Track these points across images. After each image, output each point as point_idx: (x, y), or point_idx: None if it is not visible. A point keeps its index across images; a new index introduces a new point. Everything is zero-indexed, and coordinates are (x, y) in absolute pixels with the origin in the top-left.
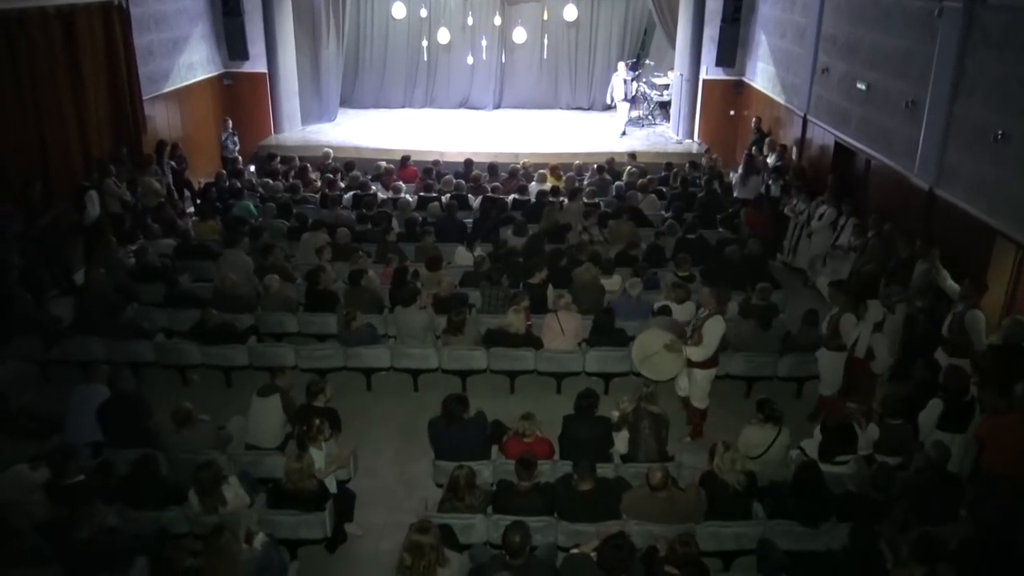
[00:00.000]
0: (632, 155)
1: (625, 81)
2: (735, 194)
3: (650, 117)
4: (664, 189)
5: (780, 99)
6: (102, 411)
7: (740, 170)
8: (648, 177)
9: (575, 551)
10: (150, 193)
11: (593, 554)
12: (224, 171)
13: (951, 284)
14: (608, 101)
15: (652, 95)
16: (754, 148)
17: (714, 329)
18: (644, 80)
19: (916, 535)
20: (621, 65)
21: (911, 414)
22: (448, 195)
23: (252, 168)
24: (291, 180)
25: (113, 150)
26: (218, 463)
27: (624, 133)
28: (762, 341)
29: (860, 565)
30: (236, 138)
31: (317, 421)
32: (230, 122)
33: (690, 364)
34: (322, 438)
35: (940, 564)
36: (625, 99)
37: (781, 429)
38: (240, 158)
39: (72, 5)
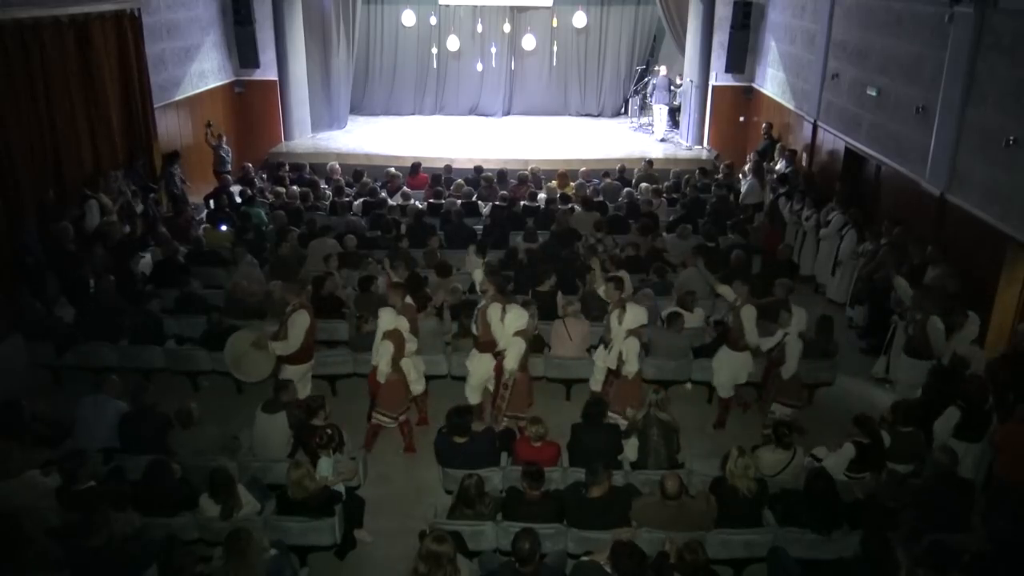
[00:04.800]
0: (649, 162)
1: (667, 88)
2: (741, 200)
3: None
4: (675, 196)
5: (790, 105)
6: (123, 424)
7: (746, 175)
8: (657, 185)
9: (586, 558)
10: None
11: (604, 562)
12: (228, 178)
13: (907, 292)
14: (648, 100)
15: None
16: (762, 153)
17: (298, 323)
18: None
19: (928, 543)
20: (663, 68)
21: (923, 421)
22: (459, 201)
23: (264, 175)
24: (301, 188)
25: (126, 158)
26: (228, 468)
27: (663, 139)
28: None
29: (872, 573)
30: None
31: (328, 431)
32: (224, 137)
33: (281, 360)
34: (332, 446)
35: (952, 573)
36: (664, 103)
37: (796, 452)
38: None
39: (86, 14)
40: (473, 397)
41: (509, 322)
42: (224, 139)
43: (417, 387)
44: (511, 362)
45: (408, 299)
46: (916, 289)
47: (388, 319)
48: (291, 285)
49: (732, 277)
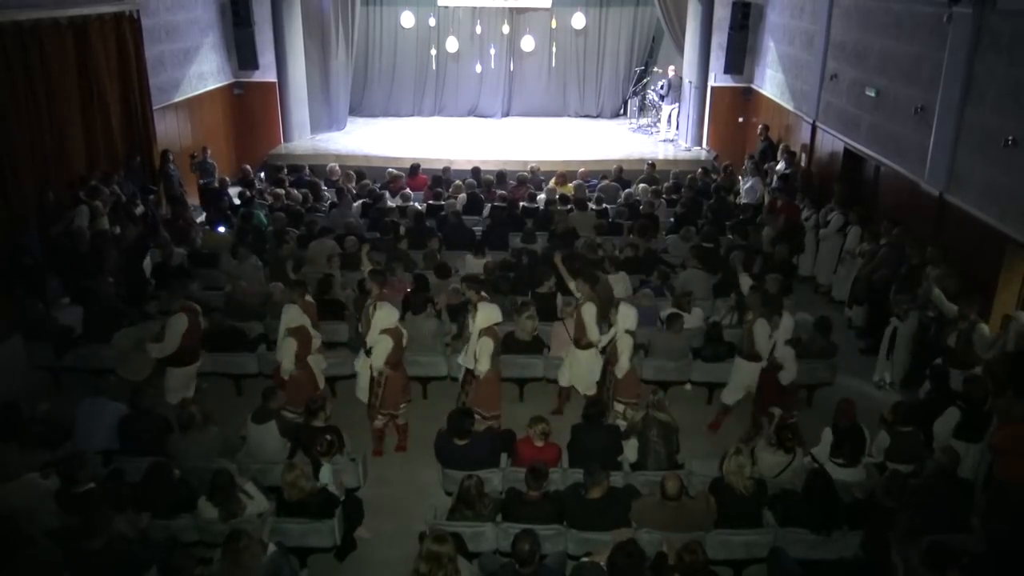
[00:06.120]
0: (651, 164)
1: (667, 83)
2: (743, 200)
3: (658, 124)
4: (675, 196)
5: (789, 106)
6: (123, 426)
7: (745, 176)
8: (656, 186)
9: (585, 559)
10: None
11: (604, 563)
12: (226, 179)
13: (949, 306)
14: (658, 100)
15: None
16: (759, 155)
17: (174, 326)
18: (652, 88)
19: (927, 543)
20: (672, 68)
21: (923, 422)
22: (462, 195)
23: (263, 175)
24: (300, 190)
25: (126, 159)
26: (229, 471)
27: (666, 140)
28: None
29: (872, 573)
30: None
31: (328, 437)
32: (208, 151)
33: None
34: (334, 451)
35: (950, 572)
36: (671, 102)
37: (796, 454)
38: (227, 179)
39: (85, 16)
40: (363, 397)
41: (377, 320)
42: (208, 152)
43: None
44: (377, 360)
45: (308, 297)
46: (751, 291)
47: (293, 316)
48: (172, 295)
49: (730, 278)
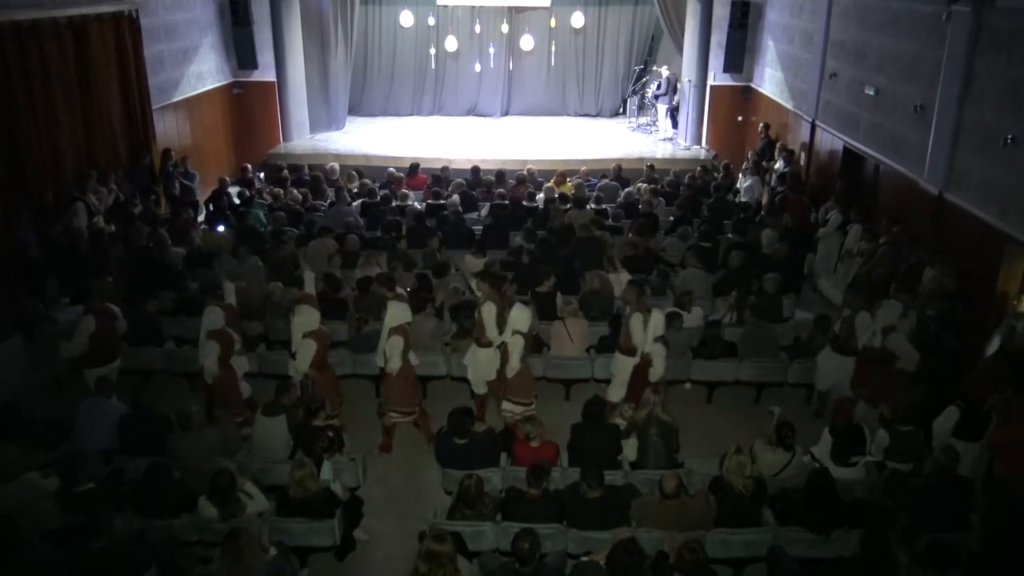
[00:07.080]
0: (651, 165)
1: (665, 82)
2: (740, 198)
3: (657, 123)
4: (674, 194)
5: (788, 105)
6: (123, 426)
7: (744, 174)
8: (655, 186)
9: (585, 558)
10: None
11: (604, 562)
12: (225, 179)
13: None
14: (649, 96)
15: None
16: (758, 153)
17: (81, 327)
18: (649, 87)
19: (926, 542)
20: (665, 68)
21: (923, 420)
22: (457, 195)
23: (262, 175)
24: (300, 189)
25: (125, 159)
26: (230, 471)
27: (665, 139)
28: (763, 338)
29: (872, 572)
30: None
31: (331, 434)
32: (188, 160)
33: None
34: (335, 448)
35: (950, 570)
36: (667, 102)
37: (795, 453)
38: (227, 179)
39: (84, 16)
40: None
41: (297, 324)
42: (189, 162)
43: (244, 387)
44: (301, 363)
45: (231, 300)
46: (628, 285)
47: (216, 318)
48: (101, 289)
49: (730, 277)
